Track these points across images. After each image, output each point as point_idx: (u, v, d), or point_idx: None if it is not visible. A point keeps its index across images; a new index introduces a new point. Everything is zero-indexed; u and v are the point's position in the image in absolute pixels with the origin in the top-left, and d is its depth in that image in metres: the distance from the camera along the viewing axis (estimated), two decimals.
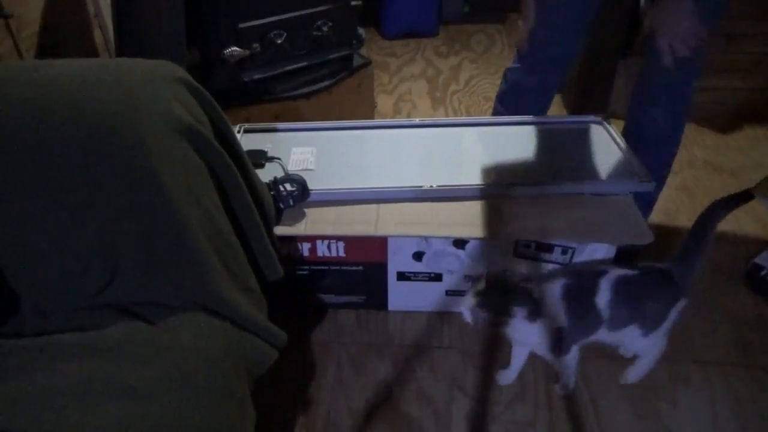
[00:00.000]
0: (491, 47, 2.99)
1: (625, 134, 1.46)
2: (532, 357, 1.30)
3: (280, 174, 1.31)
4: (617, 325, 1.10)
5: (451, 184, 1.30)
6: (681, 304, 1.11)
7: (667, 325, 1.13)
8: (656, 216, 1.72)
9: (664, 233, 1.67)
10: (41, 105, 0.83)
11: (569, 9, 1.37)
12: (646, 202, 1.48)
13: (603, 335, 1.12)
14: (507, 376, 1.24)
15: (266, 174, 1.32)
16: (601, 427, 1.17)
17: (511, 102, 1.59)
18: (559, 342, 1.11)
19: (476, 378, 1.26)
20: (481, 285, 1.09)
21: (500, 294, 1.09)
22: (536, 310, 1.08)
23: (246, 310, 0.98)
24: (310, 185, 1.26)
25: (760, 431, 1.16)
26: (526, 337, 1.13)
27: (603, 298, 1.08)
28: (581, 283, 1.11)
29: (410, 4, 3.03)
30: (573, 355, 1.15)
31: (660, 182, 1.42)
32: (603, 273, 1.10)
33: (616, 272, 1.10)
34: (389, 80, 2.68)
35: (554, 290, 1.10)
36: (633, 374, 1.22)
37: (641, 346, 1.17)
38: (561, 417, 1.19)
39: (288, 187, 1.24)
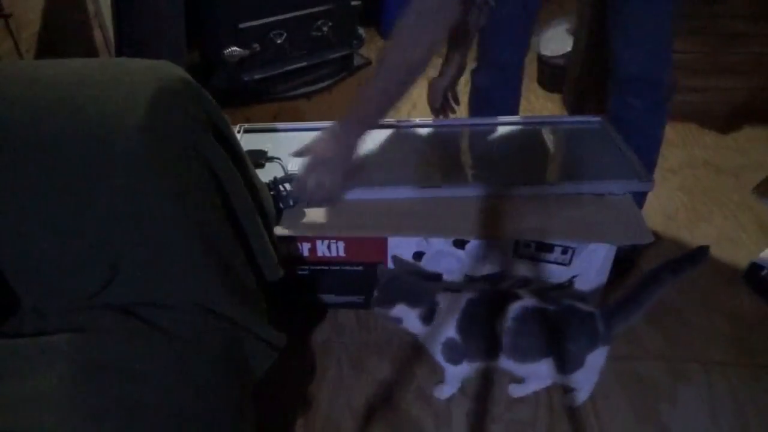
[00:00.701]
0: None
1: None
2: None
3: (280, 174, 1.31)
4: (524, 358, 1.07)
5: (451, 184, 1.30)
6: (599, 351, 1.05)
7: (588, 367, 1.07)
8: (656, 216, 1.72)
9: (664, 233, 1.67)
10: (41, 105, 0.83)
11: (511, 13, 1.39)
12: (639, 192, 1.49)
13: (509, 365, 1.09)
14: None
15: (266, 174, 1.32)
16: (601, 428, 1.17)
17: (478, 103, 1.61)
18: (452, 352, 1.10)
19: (476, 378, 1.26)
20: (390, 276, 1.08)
21: (400, 288, 1.08)
22: (429, 313, 1.07)
23: (246, 310, 0.98)
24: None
25: (760, 431, 1.16)
26: (421, 336, 1.13)
27: (502, 324, 1.05)
28: (486, 303, 1.09)
29: None
30: (461, 369, 1.13)
31: (650, 167, 1.43)
32: (514, 299, 1.07)
33: (529, 302, 1.07)
34: None
35: (458, 303, 1.09)
36: (579, 398, 1.19)
37: (571, 381, 1.13)
38: (561, 417, 1.19)
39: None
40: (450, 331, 1.09)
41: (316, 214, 1.24)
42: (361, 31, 1.94)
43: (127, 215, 0.85)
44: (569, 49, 2.32)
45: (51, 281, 0.89)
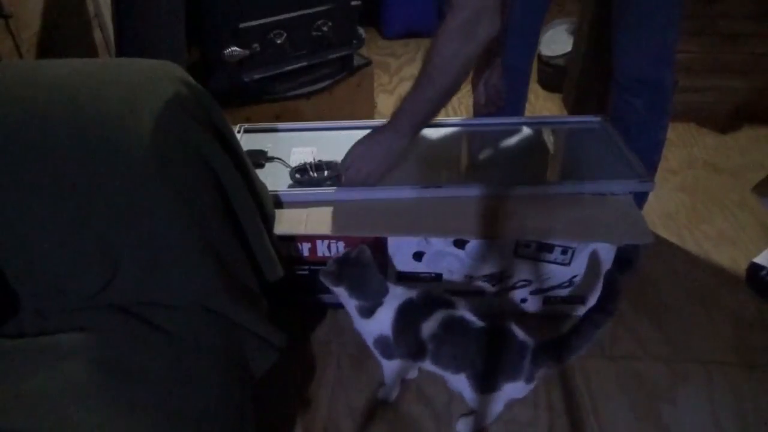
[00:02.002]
0: None
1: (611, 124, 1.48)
2: None
3: (282, 173, 1.32)
4: (446, 367, 1.05)
5: (452, 184, 1.30)
6: (518, 384, 1.01)
7: (501, 395, 1.04)
8: (656, 216, 1.72)
9: (664, 233, 1.67)
10: (41, 105, 0.83)
11: (520, 18, 1.39)
12: (640, 192, 1.49)
13: (434, 369, 1.08)
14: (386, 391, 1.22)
15: (266, 174, 1.32)
16: (601, 427, 1.17)
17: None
18: (384, 347, 1.09)
19: None
20: (347, 255, 1.06)
21: (353, 273, 1.06)
22: (369, 309, 1.07)
23: (246, 310, 0.98)
24: (309, 185, 1.27)
25: (760, 431, 1.16)
26: (357, 324, 1.12)
27: (427, 329, 1.03)
28: (419, 306, 1.07)
29: (410, 4, 3.03)
30: (395, 365, 1.13)
31: (652, 168, 1.43)
32: (447, 306, 1.05)
33: (460, 313, 1.04)
34: (389, 80, 2.68)
35: (396, 300, 1.07)
36: (464, 427, 1.15)
37: (475, 401, 1.09)
38: (561, 417, 1.19)
39: (315, 174, 1.28)
40: (384, 328, 1.07)
41: (316, 214, 1.24)
42: (361, 31, 1.93)
43: (128, 215, 0.86)
44: (569, 49, 2.32)
45: (51, 281, 0.89)
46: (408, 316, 1.06)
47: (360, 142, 1.24)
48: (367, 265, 1.06)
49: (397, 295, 1.08)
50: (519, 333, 1.03)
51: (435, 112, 1.19)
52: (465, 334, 1.03)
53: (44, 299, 0.91)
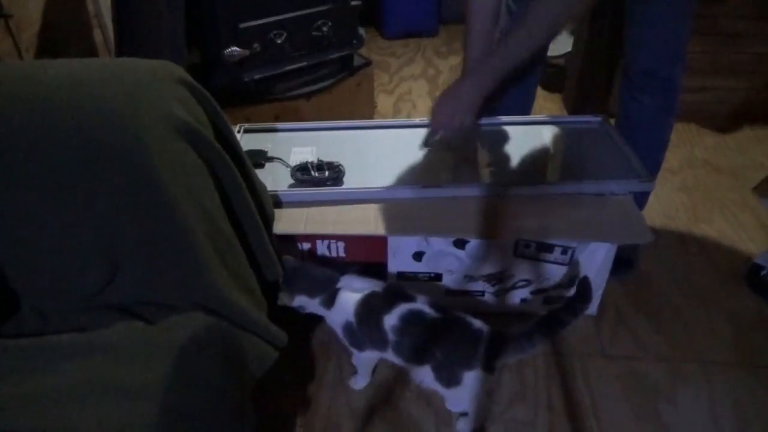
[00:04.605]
0: None
1: (617, 122, 1.48)
2: (533, 357, 1.30)
3: (282, 173, 1.32)
4: (408, 359, 1.07)
5: (452, 184, 1.30)
6: (477, 374, 1.01)
7: (465, 387, 1.04)
8: (656, 216, 1.72)
9: (664, 233, 1.67)
10: (41, 105, 0.83)
11: None
12: (640, 192, 1.49)
13: (400, 363, 1.10)
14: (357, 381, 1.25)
15: (266, 174, 1.32)
16: (601, 427, 1.17)
17: None
18: (353, 336, 1.11)
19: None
20: (291, 267, 1.12)
21: (301, 279, 1.12)
22: (330, 298, 1.10)
23: (246, 310, 0.98)
24: (311, 184, 1.27)
25: (760, 431, 1.16)
26: (328, 320, 1.15)
27: (389, 321, 1.05)
28: (381, 298, 1.09)
29: (410, 4, 3.03)
30: (365, 356, 1.15)
31: (655, 168, 1.43)
32: (407, 300, 1.07)
33: (417, 306, 1.06)
34: (389, 80, 2.68)
35: (359, 290, 1.09)
36: (464, 426, 1.15)
37: (450, 397, 1.11)
38: (561, 417, 1.19)
39: (316, 174, 1.28)
40: (349, 315, 1.09)
41: (316, 214, 1.24)
42: (361, 31, 1.94)
43: (127, 215, 0.86)
44: (569, 49, 2.32)
45: (51, 281, 0.89)
46: (371, 308, 1.08)
47: (443, 93, 1.31)
48: (302, 265, 1.13)
49: (351, 283, 1.11)
50: (473, 321, 1.04)
51: (520, 60, 1.24)
52: (421, 326, 1.05)
53: (44, 299, 0.91)
